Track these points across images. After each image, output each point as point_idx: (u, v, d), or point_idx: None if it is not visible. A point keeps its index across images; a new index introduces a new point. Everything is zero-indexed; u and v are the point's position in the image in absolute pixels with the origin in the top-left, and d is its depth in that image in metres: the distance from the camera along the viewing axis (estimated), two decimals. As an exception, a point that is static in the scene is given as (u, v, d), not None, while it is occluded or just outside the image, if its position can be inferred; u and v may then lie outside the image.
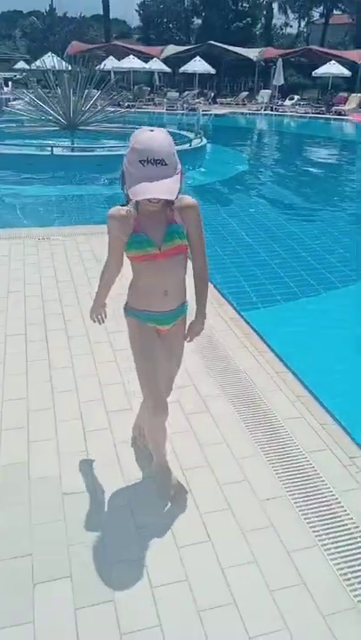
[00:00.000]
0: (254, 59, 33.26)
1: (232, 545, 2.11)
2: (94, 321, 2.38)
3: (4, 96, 25.27)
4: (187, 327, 2.24)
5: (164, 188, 1.75)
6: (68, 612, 1.82)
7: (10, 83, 32.48)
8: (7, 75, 36.35)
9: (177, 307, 2.12)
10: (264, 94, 30.48)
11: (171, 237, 1.94)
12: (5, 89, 31.89)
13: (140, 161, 1.73)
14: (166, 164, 1.75)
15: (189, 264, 2.12)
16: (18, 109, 14.46)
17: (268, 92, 30.52)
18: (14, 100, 17.69)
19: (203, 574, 1.98)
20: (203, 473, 2.49)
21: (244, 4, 40.45)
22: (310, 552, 2.09)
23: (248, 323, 4.07)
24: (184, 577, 1.96)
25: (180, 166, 1.83)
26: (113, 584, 1.92)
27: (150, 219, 1.93)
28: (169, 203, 1.92)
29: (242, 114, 28.10)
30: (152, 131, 1.77)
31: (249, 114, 28.21)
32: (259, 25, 41.91)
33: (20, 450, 2.59)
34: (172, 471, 2.39)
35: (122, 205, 1.96)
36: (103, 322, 2.38)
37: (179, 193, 1.86)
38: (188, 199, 1.98)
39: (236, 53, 33.87)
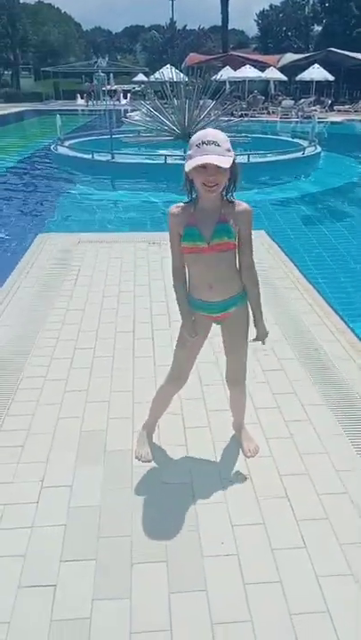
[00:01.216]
0: (376, 64, 32.00)
1: (329, 555, 2.07)
2: (192, 337, 2.34)
3: (122, 107, 26.66)
4: (244, 320, 2.36)
5: (216, 157, 1.93)
6: (163, 594, 1.90)
7: (128, 95, 34.21)
8: (127, 87, 38.32)
9: (225, 299, 2.25)
10: (385, 100, 29.18)
11: (220, 234, 2.11)
12: (124, 100, 33.69)
13: (196, 145, 1.97)
14: (219, 145, 1.95)
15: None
16: (135, 120, 15.15)
17: (390, 98, 29.18)
18: (132, 111, 18.55)
19: (297, 579, 1.96)
20: (301, 481, 2.47)
21: (368, 9, 39.07)
22: None
23: (355, 334, 3.95)
24: (277, 579, 1.96)
25: (233, 154, 2.00)
26: (207, 575, 1.97)
27: (204, 216, 2.11)
28: (224, 203, 2.11)
29: (360, 121, 27.10)
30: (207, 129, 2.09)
31: (367, 121, 27.15)
32: (383, 29, 40.19)
33: (126, 438, 2.73)
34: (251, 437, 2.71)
35: (182, 203, 2.17)
36: (196, 334, 2.35)
37: (236, 181, 2.08)
38: (245, 205, 2.17)
39: (357, 59, 32.77)
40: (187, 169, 1.99)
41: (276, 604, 1.87)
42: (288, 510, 2.28)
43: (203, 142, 1.95)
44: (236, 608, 1.86)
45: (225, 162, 1.96)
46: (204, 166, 1.95)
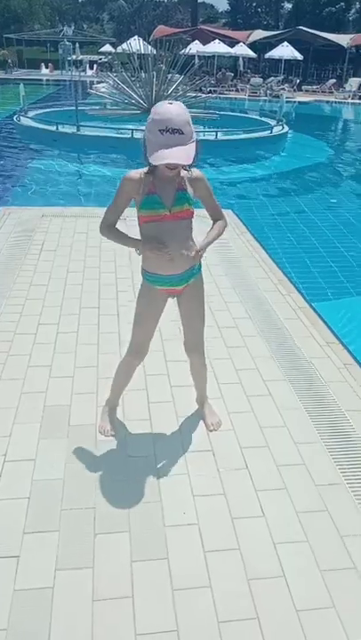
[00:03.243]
0: (345, 45, 32.02)
1: (286, 523, 2.15)
2: (138, 252, 2.24)
3: (88, 78, 25.94)
4: (201, 291, 2.42)
5: (180, 155, 1.94)
6: (125, 563, 1.94)
7: (95, 65, 33.33)
8: (93, 57, 37.35)
9: (185, 270, 2.26)
10: (353, 82, 29.34)
11: (181, 202, 2.14)
12: (90, 72, 32.80)
13: (159, 130, 1.92)
14: (183, 134, 1.93)
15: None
16: (102, 92, 14.78)
17: (358, 80, 29.35)
18: (98, 82, 18.07)
19: (255, 546, 2.04)
20: (261, 453, 2.54)
21: (338, -12, 38.93)
22: (364, 539, 2.10)
23: (316, 312, 4.04)
24: (236, 546, 2.03)
25: (195, 136, 2.00)
26: (168, 544, 2.03)
27: (164, 183, 2.12)
28: (180, 171, 2.12)
29: (327, 102, 27.23)
30: (170, 103, 1.98)
31: (335, 102, 27.30)
32: (353, 10, 40.23)
33: (90, 413, 2.74)
34: (214, 412, 2.76)
35: (140, 170, 2.15)
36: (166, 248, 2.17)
37: (195, 159, 2.02)
38: (198, 172, 2.19)
39: (327, 39, 32.75)
40: (153, 163, 1.96)
41: (235, 570, 1.95)
42: (248, 481, 2.35)
43: (166, 130, 1.90)
44: (196, 575, 1.92)
45: (189, 156, 1.95)
46: None
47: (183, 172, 2.15)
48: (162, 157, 1.93)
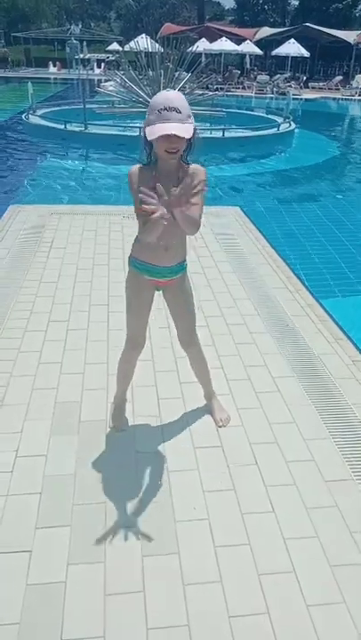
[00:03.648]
0: (352, 42, 31.83)
1: (295, 518, 2.16)
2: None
3: (96, 77, 25.96)
4: (186, 285, 2.47)
5: (178, 127, 1.95)
6: (137, 557, 1.96)
7: (102, 64, 33.36)
8: (101, 56, 37.39)
9: (175, 264, 2.33)
10: (360, 79, 29.17)
11: None
12: (98, 70, 32.82)
13: (158, 110, 1.96)
14: (180, 112, 1.96)
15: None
16: (110, 90, 14.76)
17: (365, 76, 29.20)
18: (106, 81, 18.07)
19: (265, 542, 2.05)
20: (270, 449, 2.55)
21: (346, -16, 38.70)
22: (374, 535, 2.10)
23: (325, 309, 4.03)
24: (246, 542, 2.04)
25: (193, 119, 2.03)
26: (179, 539, 2.04)
27: (165, 178, 2.08)
28: (181, 166, 2.11)
29: (334, 99, 27.10)
30: (168, 91, 2.06)
31: (342, 99, 27.16)
32: (360, 6, 39.96)
33: (100, 409, 2.76)
34: (222, 407, 2.78)
35: (142, 164, 2.16)
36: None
37: (192, 140, 2.06)
38: (200, 168, 2.18)
39: (333, 36, 32.57)
40: (150, 138, 1.99)
41: (245, 565, 1.95)
42: (257, 477, 2.36)
43: (164, 108, 1.95)
44: (207, 570, 1.93)
45: (187, 131, 1.97)
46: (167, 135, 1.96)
47: (185, 167, 2.13)
48: (159, 130, 1.94)
